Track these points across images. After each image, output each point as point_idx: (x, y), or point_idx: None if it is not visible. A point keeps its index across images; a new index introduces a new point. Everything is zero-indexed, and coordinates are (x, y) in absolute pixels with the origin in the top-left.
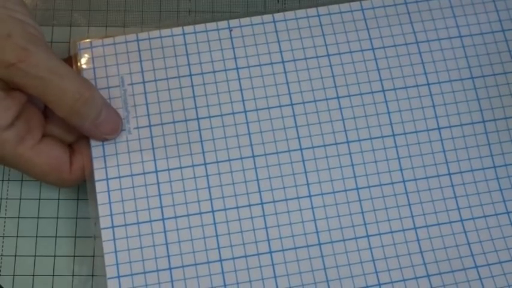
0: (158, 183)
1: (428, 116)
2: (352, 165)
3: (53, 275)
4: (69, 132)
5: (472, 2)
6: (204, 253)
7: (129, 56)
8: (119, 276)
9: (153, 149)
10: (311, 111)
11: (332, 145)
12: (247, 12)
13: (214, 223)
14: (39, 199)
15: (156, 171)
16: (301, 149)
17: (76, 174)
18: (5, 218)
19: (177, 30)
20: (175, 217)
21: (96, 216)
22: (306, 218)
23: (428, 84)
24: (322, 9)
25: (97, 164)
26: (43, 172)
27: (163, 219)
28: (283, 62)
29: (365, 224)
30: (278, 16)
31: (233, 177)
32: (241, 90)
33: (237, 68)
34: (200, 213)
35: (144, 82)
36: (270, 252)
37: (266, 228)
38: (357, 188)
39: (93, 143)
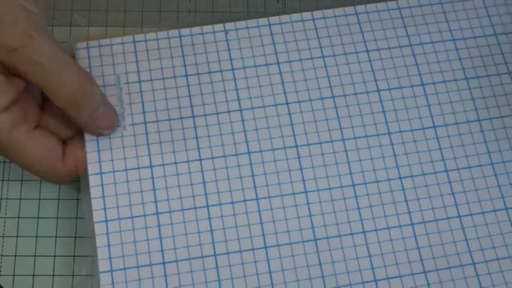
0: (153, 177)
1: (424, 115)
2: (348, 162)
3: (53, 275)
4: (65, 127)
5: (464, 8)
6: (198, 247)
7: (125, 56)
8: (111, 270)
9: (148, 144)
10: (306, 110)
11: (327, 142)
12: (247, 13)
13: (209, 218)
14: (39, 199)
15: (151, 166)
16: (296, 146)
17: (69, 166)
18: (5, 218)
19: (174, 32)
20: (170, 211)
21: (90, 210)
22: (302, 213)
23: (422, 84)
24: (317, 13)
25: (91, 158)
26: (35, 159)
27: (157, 213)
28: (278, 63)
29: (361, 219)
30: (273, 20)
31: (228, 172)
32: (236, 89)
33: (233, 69)
34: (195, 207)
35: (140, 81)
36: (265, 247)
37: (261, 223)
38: (353, 185)
39: (87, 137)
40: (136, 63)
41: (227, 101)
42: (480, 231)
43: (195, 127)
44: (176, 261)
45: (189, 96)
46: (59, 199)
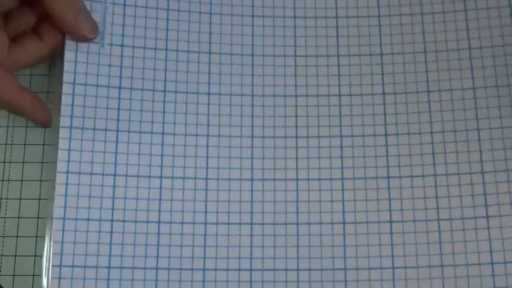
0: (119, 98)
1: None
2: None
3: None
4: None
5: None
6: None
7: None
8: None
9: (121, 67)
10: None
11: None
12: None
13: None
14: (39, 199)
15: (120, 87)
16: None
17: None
18: (5, 218)
19: None
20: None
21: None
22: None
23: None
24: None
25: (68, 67)
26: None
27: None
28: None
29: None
30: None
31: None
32: (210, 33)
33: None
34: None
35: (124, 5)
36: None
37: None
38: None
39: (68, 46)
40: None
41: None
42: None
43: (165, 60)
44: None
45: (166, 30)
46: None
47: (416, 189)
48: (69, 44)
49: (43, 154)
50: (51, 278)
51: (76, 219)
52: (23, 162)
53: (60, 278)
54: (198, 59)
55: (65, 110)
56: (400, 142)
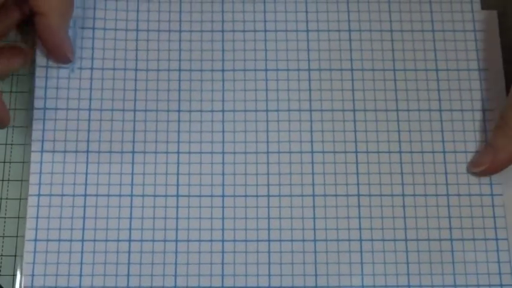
0: (89, 119)
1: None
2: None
3: None
4: None
5: None
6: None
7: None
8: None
9: (90, 89)
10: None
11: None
12: None
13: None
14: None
15: (90, 109)
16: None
17: None
18: (5, 218)
19: None
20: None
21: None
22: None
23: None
24: None
25: (38, 97)
26: None
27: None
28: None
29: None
30: None
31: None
32: (180, 50)
33: (180, 31)
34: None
35: (94, 28)
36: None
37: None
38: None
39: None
40: (93, 10)
41: (169, 60)
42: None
43: (135, 80)
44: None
45: (136, 50)
46: None
47: (382, 164)
48: (39, 71)
49: None
50: None
51: (47, 240)
52: (23, 162)
53: None
54: (168, 77)
55: (36, 135)
56: (368, 118)
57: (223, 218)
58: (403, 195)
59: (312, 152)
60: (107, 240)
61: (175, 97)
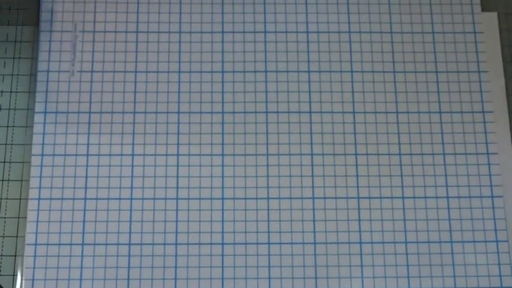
0: (90, 122)
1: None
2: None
3: None
4: None
5: None
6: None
7: (85, 5)
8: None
9: (90, 92)
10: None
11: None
12: None
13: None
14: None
15: (90, 112)
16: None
17: None
18: (5, 218)
19: None
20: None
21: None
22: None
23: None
24: None
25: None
26: None
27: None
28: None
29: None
30: None
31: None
32: (179, 52)
33: (180, 32)
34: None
35: (94, 31)
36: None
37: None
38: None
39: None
40: (94, 13)
41: (168, 62)
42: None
43: (135, 82)
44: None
45: (136, 52)
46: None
47: (382, 167)
48: (41, 75)
49: None
50: None
51: (47, 244)
52: (23, 162)
53: None
54: (167, 79)
55: (36, 139)
56: (367, 121)
57: (222, 221)
58: (403, 197)
59: (312, 154)
60: (106, 244)
61: (175, 99)
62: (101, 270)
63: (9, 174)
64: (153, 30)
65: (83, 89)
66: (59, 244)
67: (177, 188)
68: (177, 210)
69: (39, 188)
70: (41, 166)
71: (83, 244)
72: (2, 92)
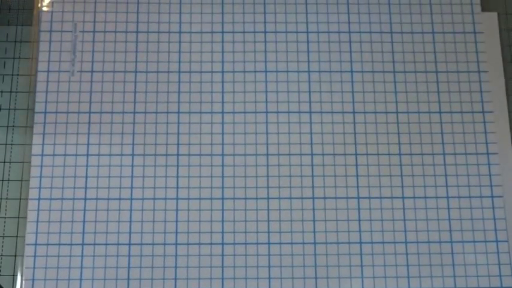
0: (90, 122)
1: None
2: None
3: None
4: None
5: None
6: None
7: (85, 5)
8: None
9: (90, 92)
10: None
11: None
12: None
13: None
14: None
15: (90, 112)
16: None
17: None
18: (5, 218)
19: None
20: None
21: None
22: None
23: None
24: None
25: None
26: None
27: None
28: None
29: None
30: None
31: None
32: (179, 52)
33: (180, 32)
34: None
35: (94, 31)
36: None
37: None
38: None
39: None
40: (94, 13)
41: (169, 62)
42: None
43: (135, 82)
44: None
45: (136, 52)
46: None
47: (382, 167)
48: (41, 75)
49: None
50: None
51: (47, 244)
52: (23, 162)
53: None
54: (167, 79)
55: (36, 139)
56: (367, 121)
57: (222, 221)
58: (403, 197)
59: (312, 154)
60: (106, 244)
61: (175, 99)
62: (101, 270)
63: (9, 174)
64: (153, 30)
65: (83, 89)
66: (59, 244)
67: (177, 188)
68: (177, 210)
69: (39, 188)
70: (41, 166)
71: (83, 244)
72: (2, 92)
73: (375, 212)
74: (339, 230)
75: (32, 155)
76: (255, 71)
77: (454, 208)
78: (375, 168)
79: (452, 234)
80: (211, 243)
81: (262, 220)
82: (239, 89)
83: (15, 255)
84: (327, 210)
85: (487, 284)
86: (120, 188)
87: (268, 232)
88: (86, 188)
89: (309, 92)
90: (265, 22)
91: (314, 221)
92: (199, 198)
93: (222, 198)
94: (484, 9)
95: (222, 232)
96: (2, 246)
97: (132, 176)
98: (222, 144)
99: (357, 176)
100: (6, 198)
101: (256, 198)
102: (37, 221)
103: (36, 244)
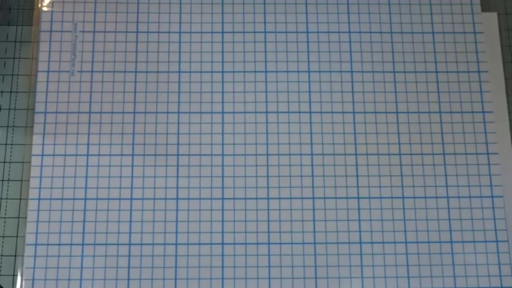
0: (90, 122)
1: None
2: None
3: None
4: None
5: None
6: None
7: (85, 5)
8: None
9: (90, 92)
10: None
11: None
12: None
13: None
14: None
15: (90, 113)
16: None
17: None
18: (5, 218)
19: None
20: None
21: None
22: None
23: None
24: None
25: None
26: None
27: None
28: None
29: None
30: None
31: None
32: (180, 52)
33: (180, 32)
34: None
35: (94, 31)
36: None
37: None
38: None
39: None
40: (94, 13)
41: (169, 62)
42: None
43: (135, 82)
44: None
45: (136, 52)
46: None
47: (382, 167)
48: (40, 76)
49: None
50: None
51: (47, 244)
52: (23, 162)
53: None
54: (167, 79)
55: (36, 139)
56: (367, 121)
57: (223, 221)
58: (403, 197)
59: (312, 154)
60: (107, 244)
61: (175, 99)
62: (101, 270)
63: (9, 174)
64: (153, 30)
65: (83, 89)
66: (59, 244)
67: (177, 188)
68: (177, 210)
69: (39, 188)
70: (41, 166)
71: (83, 244)
72: (2, 92)
73: (375, 212)
74: (339, 230)
75: (32, 155)
76: (255, 71)
77: (454, 208)
78: (375, 168)
79: (452, 234)
80: (211, 244)
81: (262, 220)
82: (239, 89)
83: (15, 255)
84: (327, 210)
85: (487, 284)
86: (120, 188)
87: (268, 232)
88: (86, 188)
89: (309, 92)
90: (265, 22)
91: (314, 221)
92: (199, 198)
93: (222, 198)
94: (484, 9)
95: (222, 232)
96: (2, 246)
97: (132, 176)
98: (222, 144)
99: (357, 176)
100: (6, 198)
101: (256, 199)
102: (37, 221)
103: (36, 244)
